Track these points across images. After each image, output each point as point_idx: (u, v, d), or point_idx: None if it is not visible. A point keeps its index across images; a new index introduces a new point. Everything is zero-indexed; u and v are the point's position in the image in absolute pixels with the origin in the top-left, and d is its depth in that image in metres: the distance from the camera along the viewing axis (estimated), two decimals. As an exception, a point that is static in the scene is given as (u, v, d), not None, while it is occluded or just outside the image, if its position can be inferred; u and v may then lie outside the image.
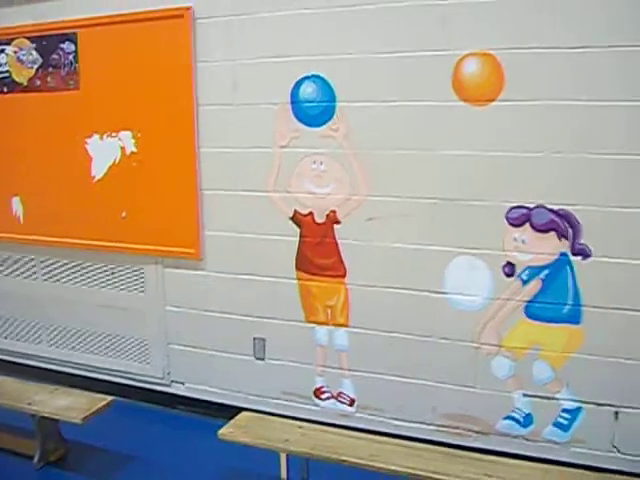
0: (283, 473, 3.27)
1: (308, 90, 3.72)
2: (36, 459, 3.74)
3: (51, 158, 4.52)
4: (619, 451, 3.40)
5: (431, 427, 3.74)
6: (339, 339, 3.86)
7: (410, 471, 3.02)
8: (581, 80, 3.21)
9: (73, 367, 4.74)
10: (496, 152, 3.40)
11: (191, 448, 3.91)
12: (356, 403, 3.91)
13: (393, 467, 3.04)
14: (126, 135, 4.26)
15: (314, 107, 3.72)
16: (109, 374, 4.60)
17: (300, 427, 3.38)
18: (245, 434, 3.28)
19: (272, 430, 3.34)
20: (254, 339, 4.09)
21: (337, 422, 3.79)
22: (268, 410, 3.89)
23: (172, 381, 4.42)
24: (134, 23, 4.12)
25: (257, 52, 3.83)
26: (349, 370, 3.88)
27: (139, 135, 4.22)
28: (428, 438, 3.62)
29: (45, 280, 4.75)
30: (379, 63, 3.55)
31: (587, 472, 3.16)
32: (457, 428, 3.68)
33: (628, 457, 3.39)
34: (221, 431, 3.30)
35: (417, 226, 3.60)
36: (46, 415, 3.63)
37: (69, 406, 3.67)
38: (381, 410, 3.84)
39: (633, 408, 3.34)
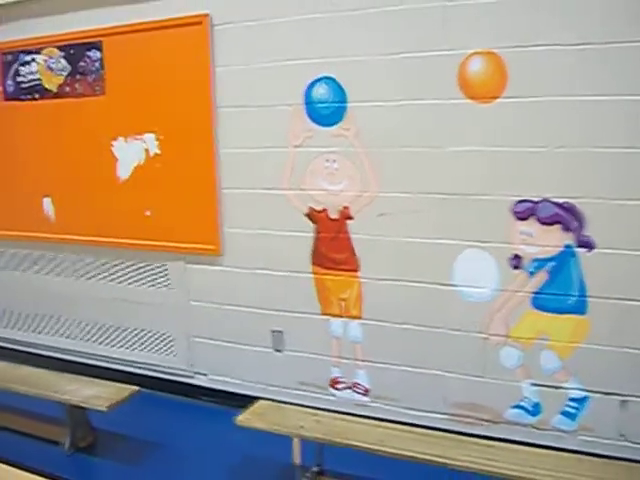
0: (297, 458, 3.42)
1: (320, 91, 3.87)
2: (67, 446, 3.95)
3: (80, 160, 4.75)
4: (626, 439, 3.47)
5: (442, 416, 3.85)
6: (353, 331, 4.00)
7: (417, 455, 3.14)
8: (582, 76, 3.30)
9: (103, 360, 4.96)
10: (501, 147, 3.50)
11: (212, 435, 4.09)
12: (371, 393, 4.04)
13: (400, 451, 3.15)
14: (149, 137, 4.45)
15: (326, 108, 3.86)
16: (136, 367, 4.81)
17: (314, 415, 3.52)
18: (261, 420, 3.44)
19: (287, 417, 3.49)
20: (272, 331, 4.25)
21: (353, 411, 3.91)
22: (286, 400, 4.03)
23: (195, 372, 4.61)
24: (155, 31, 4.31)
25: (271, 56, 3.99)
26: (363, 361, 4.02)
27: (162, 137, 4.42)
28: (439, 426, 3.72)
29: (76, 278, 4.97)
30: (387, 64, 3.68)
31: (594, 459, 3.24)
32: (467, 417, 3.79)
33: (635, 445, 3.45)
34: (239, 417, 3.46)
35: (426, 221, 3.72)
36: (75, 403, 3.84)
37: (97, 395, 3.87)
38: (394, 399, 3.96)
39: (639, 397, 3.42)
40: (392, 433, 3.37)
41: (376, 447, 3.23)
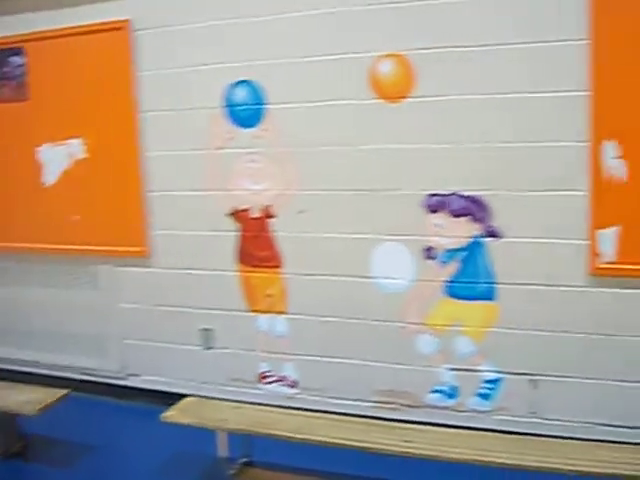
0: (222, 451, 3.51)
1: (239, 94, 3.99)
2: (-3, 452, 3.97)
3: (4, 167, 4.76)
4: (538, 416, 3.67)
5: (367, 404, 3.99)
6: (279, 326, 4.12)
7: (336, 441, 3.26)
8: (486, 76, 3.50)
9: (34, 366, 4.92)
10: (412, 145, 3.68)
11: (143, 434, 4.14)
12: (299, 385, 4.16)
13: (319, 438, 3.27)
14: (75, 142, 4.49)
15: (246, 110, 3.99)
16: (69, 371, 4.79)
17: (239, 408, 3.62)
18: (186, 416, 3.52)
19: (211, 411, 3.58)
20: (202, 330, 4.33)
21: (282, 404, 4.01)
22: (217, 396, 4.11)
23: (128, 374, 4.65)
24: (78, 36, 4.36)
25: (192, 60, 4.09)
26: (290, 354, 4.14)
27: (88, 142, 4.47)
28: (365, 414, 3.85)
29: (5, 284, 4.95)
30: (303, 67, 3.84)
31: (507, 436, 3.42)
32: (390, 403, 3.94)
33: (546, 421, 3.66)
34: (165, 414, 3.53)
35: (344, 216, 3.87)
36: (4, 409, 3.85)
37: (27, 400, 3.86)
38: (321, 390, 4.09)
39: (548, 376, 3.62)
40: (315, 422, 3.49)
41: (298, 435, 3.34)
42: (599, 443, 3.27)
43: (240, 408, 3.62)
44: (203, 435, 3.54)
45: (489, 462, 3.11)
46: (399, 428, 3.42)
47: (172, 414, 3.54)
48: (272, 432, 3.37)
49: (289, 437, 3.34)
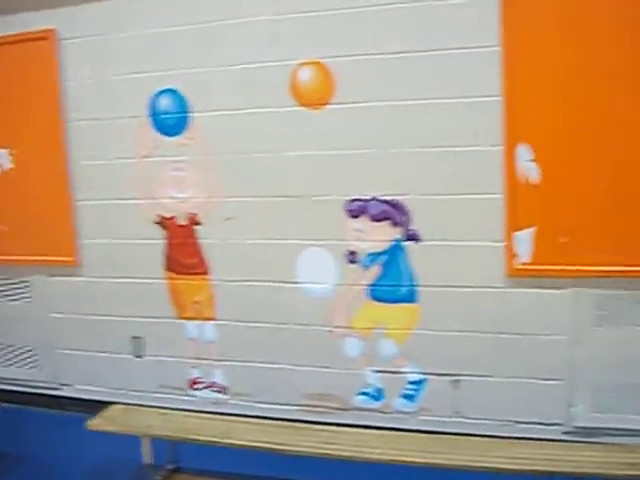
0: (147, 457, 3.52)
1: (164, 103, 4.01)
2: None
3: None
4: (461, 415, 3.76)
5: (296, 407, 4.03)
6: (208, 332, 4.15)
7: (259, 444, 3.30)
8: (402, 82, 3.59)
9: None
10: (333, 151, 3.75)
11: (73, 443, 4.11)
12: (229, 390, 4.19)
13: (244, 442, 3.31)
14: (2, 153, 4.45)
15: (170, 118, 4.01)
16: (1, 383, 4.77)
17: (164, 414, 3.63)
18: (111, 424, 3.52)
19: (137, 418, 3.58)
20: (132, 338, 4.33)
21: (212, 410, 4.05)
22: (148, 403, 4.11)
23: (61, 384, 4.62)
24: (3, 46, 4.32)
25: (117, 69, 4.11)
26: (219, 360, 4.16)
27: (15, 152, 4.43)
28: (294, 418, 3.91)
29: None
30: (226, 76, 3.87)
31: (431, 435, 3.49)
32: (319, 406, 3.99)
33: (469, 421, 3.74)
34: (90, 422, 3.53)
35: (269, 222, 3.92)
36: None
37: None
38: (251, 395, 4.12)
39: (469, 376, 3.70)
40: (241, 426, 3.51)
41: (223, 440, 3.36)
42: (518, 441, 3.37)
43: (166, 414, 3.64)
44: (132, 442, 3.54)
45: (408, 462, 3.18)
46: (325, 431, 3.46)
47: (97, 422, 3.53)
48: (197, 437, 3.39)
49: (214, 442, 3.37)
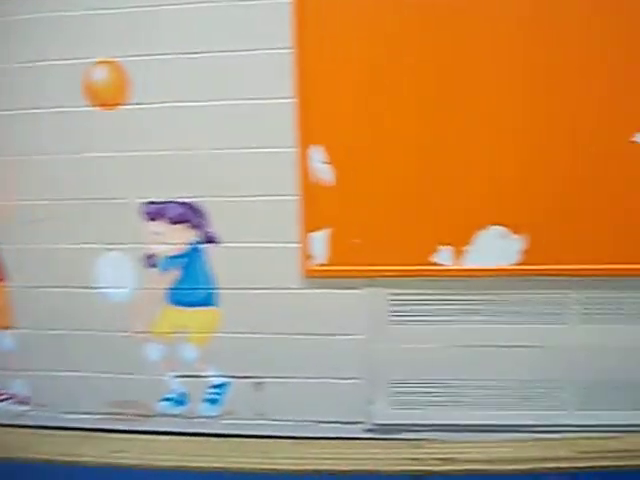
0: None
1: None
2: None
3: None
4: (264, 417, 3.75)
5: (102, 416, 3.89)
6: (6, 341, 3.95)
7: (46, 457, 3.19)
8: (202, 82, 3.56)
9: None
10: (130, 152, 3.66)
11: None
12: (30, 401, 4.01)
13: (40, 456, 3.21)
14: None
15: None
16: None
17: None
18: None
19: None
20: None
21: (14, 422, 3.89)
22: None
23: None
24: None
25: None
26: (19, 370, 3.98)
27: None
28: (101, 427, 3.81)
29: None
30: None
31: (235, 439, 3.49)
32: (123, 414, 3.88)
33: (273, 422, 3.74)
34: None
35: (69, 227, 3.78)
36: None
37: None
38: (53, 405, 3.96)
39: (272, 378, 3.70)
40: (39, 440, 3.40)
41: (22, 454, 3.24)
42: (319, 441, 3.41)
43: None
44: None
45: (195, 468, 3.16)
46: (116, 440, 3.40)
47: None
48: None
49: (11, 458, 3.23)
